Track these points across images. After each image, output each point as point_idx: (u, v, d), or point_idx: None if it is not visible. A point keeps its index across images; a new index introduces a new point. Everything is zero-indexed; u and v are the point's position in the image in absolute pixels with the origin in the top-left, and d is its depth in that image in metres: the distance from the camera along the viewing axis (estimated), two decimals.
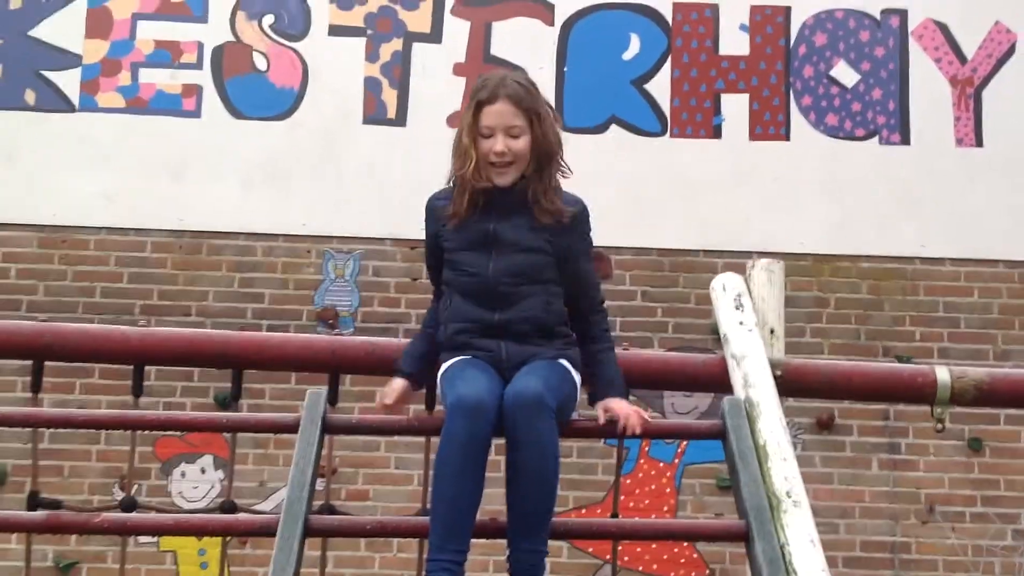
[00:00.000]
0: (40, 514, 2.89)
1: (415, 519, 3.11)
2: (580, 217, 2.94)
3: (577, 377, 2.90)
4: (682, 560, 5.72)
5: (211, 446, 5.58)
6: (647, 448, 5.81)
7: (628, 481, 5.53)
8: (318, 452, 2.95)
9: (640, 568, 5.62)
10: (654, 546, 5.64)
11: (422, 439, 3.57)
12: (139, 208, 5.86)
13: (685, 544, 5.70)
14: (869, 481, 5.76)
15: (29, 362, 3.37)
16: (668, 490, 5.77)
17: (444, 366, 2.86)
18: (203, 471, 5.56)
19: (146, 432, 5.50)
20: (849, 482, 5.74)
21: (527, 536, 2.67)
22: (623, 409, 2.85)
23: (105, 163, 5.89)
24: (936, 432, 3.44)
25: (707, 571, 5.67)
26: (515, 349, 2.83)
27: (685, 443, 5.79)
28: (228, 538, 4.21)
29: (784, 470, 2.84)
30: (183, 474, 5.51)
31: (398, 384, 2.94)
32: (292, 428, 3.02)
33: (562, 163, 2.95)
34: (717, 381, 3.27)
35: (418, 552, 4.29)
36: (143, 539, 5.43)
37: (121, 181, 5.87)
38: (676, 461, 5.83)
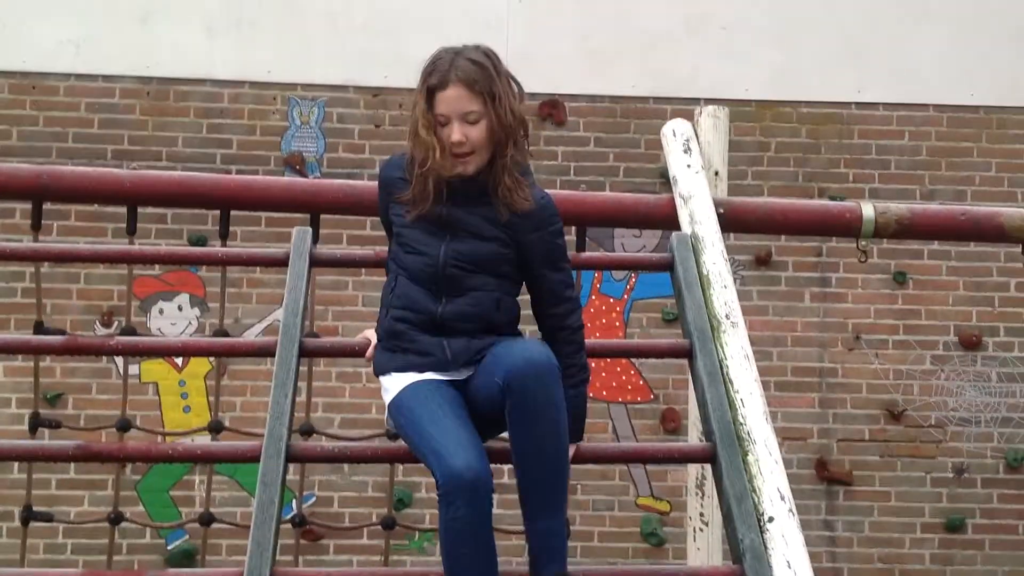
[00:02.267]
0: (57, 338, 3.17)
1: None
2: (540, 215, 2.66)
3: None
4: (629, 387, 6.15)
5: (187, 285, 5.87)
6: (598, 285, 6.19)
7: None
8: (307, 283, 3.15)
9: (591, 395, 6.04)
10: (604, 374, 6.08)
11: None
12: (107, 54, 5.95)
13: (632, 372, 6.14)
14: (801, 312, 6.16)
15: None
16: (617, 324, 6.16)
17: (391, 388, 2.61)
18: (180, 308, 5.86)
19: (125, 270, 5.79)
20: (783, 313, 6.14)
21: (548, 514, 2.49)
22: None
23: (72, 9, 5.95)
24: (861, 263, 3.82)
25: (652, 396, 6.13)
26: (459, 346, 2.59)
27: (634, 279, 6.18)
28: (219, 368, 4.52)
29: (724, 296, 3.17)
30: (161, 311, 5.80)
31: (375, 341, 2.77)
32: (282, 262, 3.21)
33: (523, 144, 2.66)
34: (666, 219, 3.60)
35: None
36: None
37: (88, 27, 5.95)
38: (625, 297, 6.21)
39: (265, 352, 3.05)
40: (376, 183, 2.81)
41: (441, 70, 2.59)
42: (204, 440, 4.13)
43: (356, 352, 2.96)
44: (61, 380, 5.73)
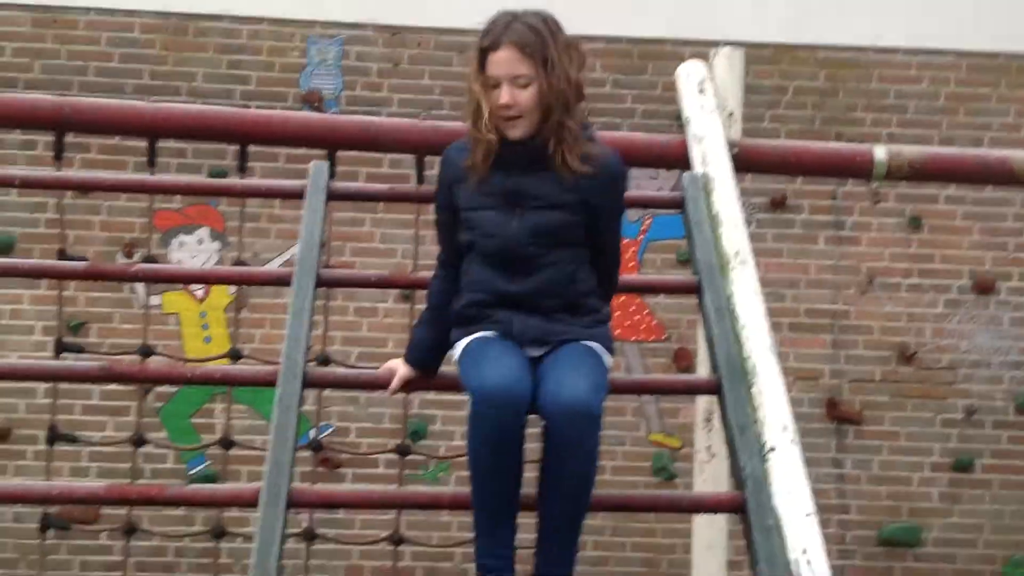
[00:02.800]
0: (81, 264, 3.26)
1: (409, 276, 3.54)
2: (611, 173, 2.65)
3: (609, 360, 2.66)
4: (642, 327, 6.24)
5: (206, 219, 5.96)
6: None
7: None
8: (323, 216, 3.22)
9: None
10: (617, 313, 6.15)
11: (410, 215, 3.95)
12: None
13: (646, 312, 6.22)
14: (815, 255, 6.22)
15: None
16: (632, 264, 6.22)
17: (459, 346, 2.63)
18: (200, 242, 5.95)
19: (146, 203, 5.87)
20: (797, 256, 6.20)
21: (560, 541, 2.53)
22: None
23: None
24: (873, 205, 3.86)
25: (664, 335, 6.21)
26: (532, 324, 2.58)
27: (649, 221, 6.23)
28: (239, 298, 4.61)
29: (734, 235, 3.23)
30: (181, 244, 5.90)
31: (403, 373, 2.74)
32: (299, 194, 3.29)
33: (577, 110, 2.61)
34: (679, 159, 3.65)
35: (408, 314, 4.75)
36: (145, 300, 5.89)
37: None
38: (640, 238, 6.27)
39: (282, 281, 3.14)
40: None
41: (495, 32, 2.58)
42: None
43: (372, 283, 3.03)
44: (84, 309, 5.84)
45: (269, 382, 2.81)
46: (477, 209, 2.63)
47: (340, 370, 3.40)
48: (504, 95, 2.56)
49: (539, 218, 2.59)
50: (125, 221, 5.87)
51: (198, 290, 5.93)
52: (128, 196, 5.74)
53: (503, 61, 2.56)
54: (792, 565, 2.47)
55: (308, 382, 2.81)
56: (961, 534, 6.16)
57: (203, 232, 5.95)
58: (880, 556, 6.15)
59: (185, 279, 4.49)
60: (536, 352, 2.59)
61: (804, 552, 2.50)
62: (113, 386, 5.81)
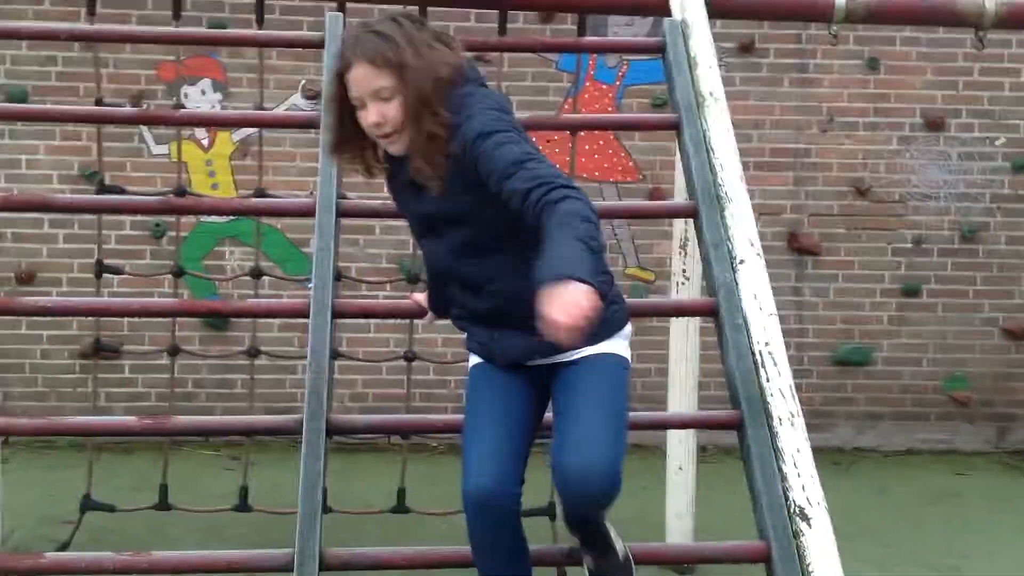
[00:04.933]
0: (129, 109, 3.60)
1: None
2: (463, 149, 2.34)
3: (624, 348, 2.50)
4: (619, 168, 6.64)
5: (207, 71, 6.26)
6: (592, 72, 6.59)
7: (573, 103, 6.30)
8: None
9: (583, 175, 6.53)
10: (596, 156, 6.57)
11: None
12: None
13: (622, 154, 6.61)
14: (780, 97, 6.57)
15: None
16: (610, 108, 6.58)
17: (470, 363, 2.58)
18: (203, 92, 6.26)
19: (151, 55, 6.13)
20: (763, 98, 6.56)
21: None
22: (551, 312, 2.06)
23: None
24: (832, 46, 4.24)
25: (639, 176, 6.62)
26: (514, 343, 2.44)
27: (626, 66, 6.57)
28: (260, 143, 4.91)
29: (708, 76, 3.57)
30: (186, 95, 6.20)
31: (424, 305, 2.83)
32: (319, 44, 3.55)
33: (439, 96, 2.36)
34: (658, 6, 3.95)
35: None
36: (156, 150, 6.22)
37: None
38: (617, 83, 6.62)
39: (311, 124, 3.47)
40: None
41: (345, 52, 2.40)
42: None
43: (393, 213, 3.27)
44: (96, 158, 6.16)
45: (307, 212, 3.19)
46: (415, 231, 2.60)
47: (371, 202, 3.68)
48: (371, 114, 2.38)
49: (453, 238, 2.45)
50: (131, 73, 6.16)
51: (204, 139, 6.27)
52: (132, 48, 6.01)
53: (360, 79, 2.37)
54: (756, 356, 2.90)
55: (342, 211, 3.19)
56: (908, 353, 6.68)
57: (205, 83, 6.25)
58: (834, 375, 6.68)
59: (222, 123, 4.88)
60: (538, 361, 2.47)
61: (767, 344, 2.92)
62: (128, 230, 6.20)
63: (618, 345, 2.49)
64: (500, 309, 2.44)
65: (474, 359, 2.57)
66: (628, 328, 2.56)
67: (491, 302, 2.45)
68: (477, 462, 2.33)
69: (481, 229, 2.42)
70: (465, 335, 2.60)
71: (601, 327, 2.31)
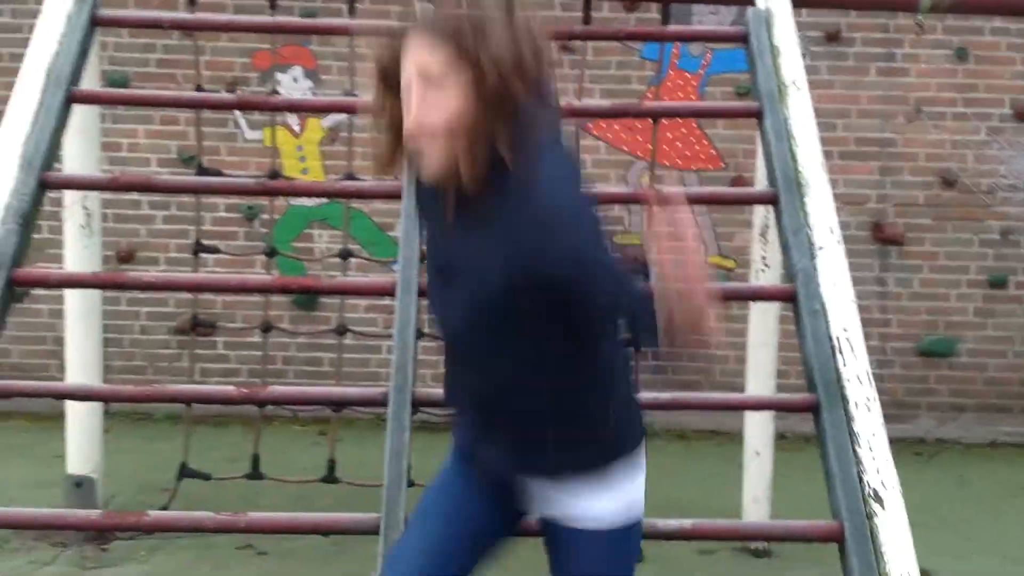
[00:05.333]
0: (228, 95, 3.77)
1: None
2: (532, 235, 1.68)
3: (628, 495, 1.94)
4: (702, 156, 6.68)
5: (300, 59, 6.45)
6: (676, 60, 6.63)
7: (656, 91, 6.34)
8: None
9: (665, 163, 6.58)
10: (679, 144, 6.61)
11: None
12: None
13: (705, 142, 6.65)
14: (866, 87, 6.53)
15: None
16: (693, 97, 6.62)
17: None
18: (295, 80, 6.46)
19: (245, 44, 6.33)
20: (849, 87, 6.52)
21: None
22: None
23: None
24: (917, 36, 4.23)
25: (722, 164, 6.66)
26: (491, 461, 1.92)
27: (709, 55, 6.60)
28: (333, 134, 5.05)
29: (791, 64, 3.60)
30: (278, 82, 6.39)
31: None
32: None
33: (509, 111, 1.71)
34: None
35: None
36: (249, 135, 6.42)
37: None
38: (701, 72, 6.65)
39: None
40: None
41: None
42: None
43: None
44: (194, 143, 6.38)
45: (395, 195, 3.32)
46: (427, 268, 1.99)
47: None
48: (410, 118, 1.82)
49: (467, 298, 1.78)
50: (226, 60, 6.37)
51: (295, 125, 6.46)
52: (228, 37, 6.21)
53: (409, 54, 1.81)
54: (834, 341, 2.95)
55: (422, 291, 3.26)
56: (993, 346, 6.61)
57: (297, 71, 6.44)
58: (918, 366, 6.63)
59: (316, 109, 5.04)
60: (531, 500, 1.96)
61: (845, 331, 2.96)
62: (223, 212, 6.42)
63: (623, 493, 1.92)
64: (494, 399, 1.87)
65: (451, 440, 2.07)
66: (641, 456, 1.95)
67: (488, 384, 1.85)
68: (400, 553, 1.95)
69: (509, 310, 1.74)
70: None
71: (605, 444, 1.88)
